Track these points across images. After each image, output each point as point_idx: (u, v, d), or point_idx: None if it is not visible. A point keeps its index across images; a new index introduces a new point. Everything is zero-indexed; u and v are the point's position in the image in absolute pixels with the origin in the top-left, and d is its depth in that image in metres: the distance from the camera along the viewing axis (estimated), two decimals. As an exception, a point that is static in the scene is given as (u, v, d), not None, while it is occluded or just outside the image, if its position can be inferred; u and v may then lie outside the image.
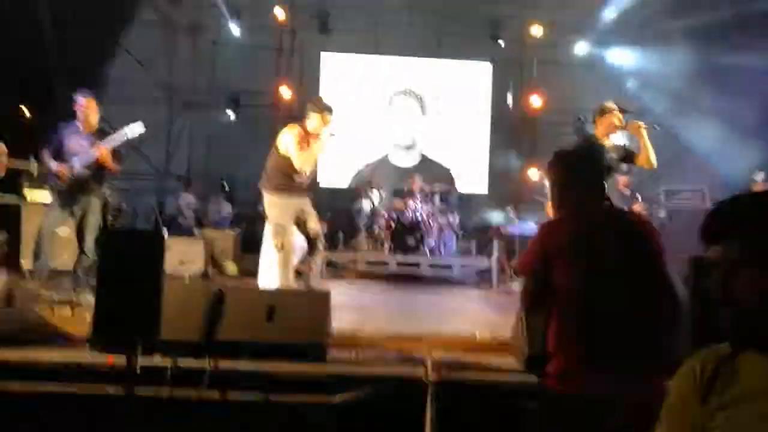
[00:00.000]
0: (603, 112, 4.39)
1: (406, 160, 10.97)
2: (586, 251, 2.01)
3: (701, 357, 1.14)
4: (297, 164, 4.45)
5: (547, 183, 2.28)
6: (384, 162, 10.91)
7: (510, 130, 10.85)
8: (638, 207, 6.74)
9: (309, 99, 4.70)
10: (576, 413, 1.98)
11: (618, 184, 6.11)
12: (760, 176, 6.65)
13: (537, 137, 10.71)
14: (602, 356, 1.98)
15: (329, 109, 4.55)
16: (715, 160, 8.15)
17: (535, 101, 10.31)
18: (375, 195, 8.80)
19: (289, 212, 4.50)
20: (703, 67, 8.86)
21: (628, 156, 4.33)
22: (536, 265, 2.10)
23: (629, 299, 1.98)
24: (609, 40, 10.42)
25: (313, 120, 4.50)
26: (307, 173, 4.56)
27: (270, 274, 4.67)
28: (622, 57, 10.55)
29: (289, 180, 4.51)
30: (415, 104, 11.12)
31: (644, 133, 4.25)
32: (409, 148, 11.00)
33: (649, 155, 4.24)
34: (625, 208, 6.31)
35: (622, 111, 4.40)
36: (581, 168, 2.15)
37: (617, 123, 4.31)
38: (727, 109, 8.20)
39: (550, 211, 2.37)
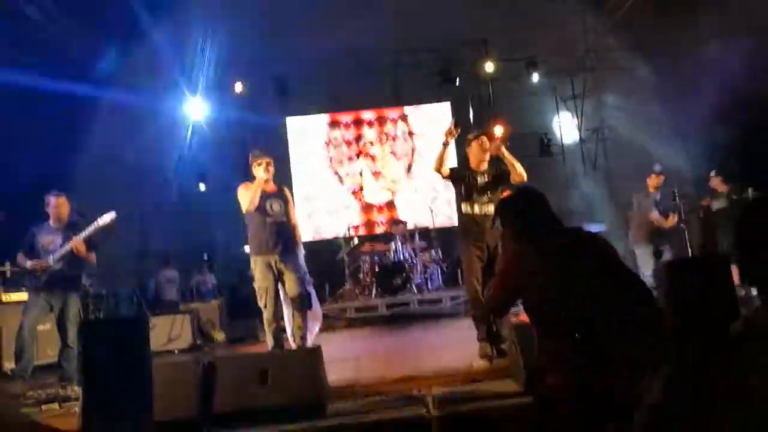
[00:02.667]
0: (467, 144, 4.58)
1: (379, 197, 11.09)
2: (557, 269, 2.18)
3: None
4: (245, 206, 4.50)
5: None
6: (356, 200, 11.04)
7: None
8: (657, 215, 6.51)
9: (249, 156, 4.73)
10: (574, 419, 2.06)
11: (648, 188, 6.37)
12: (713, 174, 6.96)
13: (502, 162, 10.90)
14: (592, 362, 2.07)
15: (259, 155, 4.60)
16: (678, 166, 8.39)
17: (498, 130, 10.56)
18: (354, 240, 8.84)
19: (267, 273, 4.48)
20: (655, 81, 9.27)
21: (501, 176, 4.44)
22: (511, 283, 2.27)
23: (607, 304, 2.10)
24: (561, 67, 10.77)
25: (255, 171, 4.57)
26: (271, 211, 4.54)
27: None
28: (570, 82, 10.92)
29: (260, 238, 4.52)
30: (384, 147, 11.32)
31: (505, 152, 4.40)
32: (378, 177, 11.15)
33: (518, 170, 4.35)
34: (654, 209, 6.21)
35: (484, 134, 4.57)
36: (522, 208, 2.42)
37: (483, 148, 4.46)
38: (680, 118, 8.53)
39: None
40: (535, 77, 10.83)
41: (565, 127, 11.22)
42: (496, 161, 4.53)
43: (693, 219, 7.11)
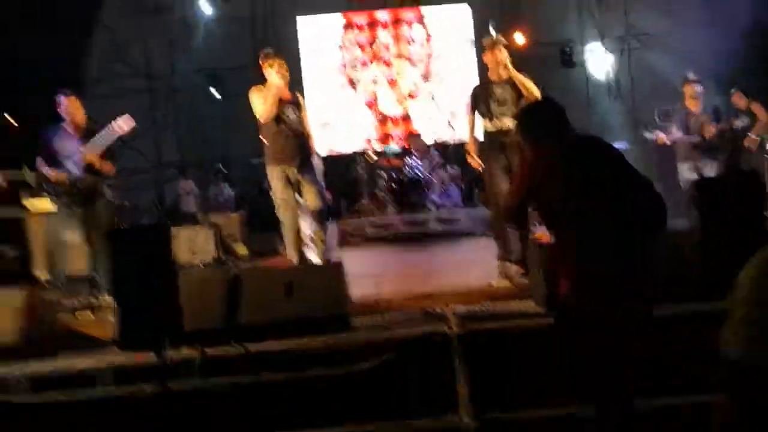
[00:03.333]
0: (485, 49, 4.38)
1: (395, 109, 10.87)
2: (569, 169, 2.30)
3: None
4: (260, 115, 4.37)
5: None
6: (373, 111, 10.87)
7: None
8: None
9: (260, 56, 4.52)
10: (586, 327, 2.22)
11: (685, 99, 5.85)
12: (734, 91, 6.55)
13: (525, 72, 10.56)
14: (602, 269, 2.21)
15: (270, 54, 4.43)
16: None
17: (519, 38, 10.14)
18: (370, 155, 8.76)
19: (286, 184, 4.41)
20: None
21: (520, 91, 4.28)
22: (525, 185, 2.42)
23: (616, 207, 2.24)
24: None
25: (267, 73, 4.39)
26: (288, 119, 4.41)
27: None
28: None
29: (277, 148, 4.41)
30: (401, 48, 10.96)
31: (515, 73, 4.26)
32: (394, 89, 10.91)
33: (530, 90, 4.23)
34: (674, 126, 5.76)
35: (499, 43, 4.34)
36: (539, 117, 2.53)
37: (497, 59, 4.27)
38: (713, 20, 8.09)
39: None
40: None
41: (590, 36, 10.73)
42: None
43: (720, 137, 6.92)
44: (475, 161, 4.51)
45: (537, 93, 4.24)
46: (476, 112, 4.42)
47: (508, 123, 4.19)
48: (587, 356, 2.26)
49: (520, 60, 10.41)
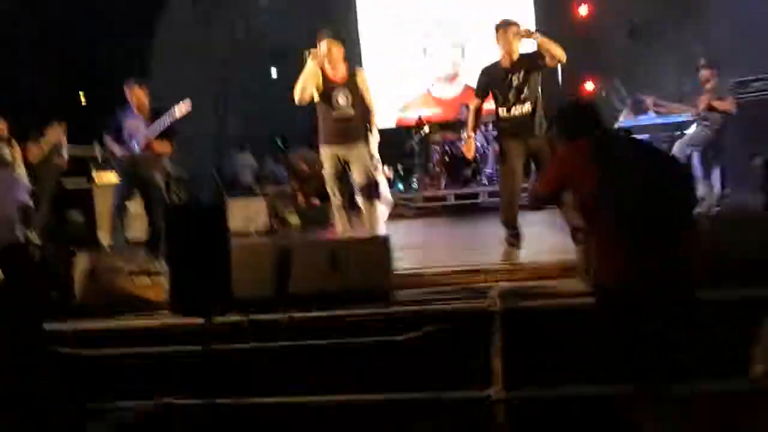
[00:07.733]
0: (496, 31, 4.18)
1: (450, 91, 10.70)
2: (604, 164, 2.41)
3: None
4: (296, 97, 4.43)
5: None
6: (426, 98, 10.73)
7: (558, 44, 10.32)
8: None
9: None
10: (625, 305, 2.30)
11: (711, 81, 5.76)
12: None
13: (587, 48, 10.12)
14: (638, 250, 2.30)
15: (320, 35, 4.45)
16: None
17: (582, 10, 9.79)
18: (425, 129, 8.68)
19: (333, 162, 4.52)
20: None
21: (533, 65, 4.12)
22: (560, 174, 2.57)
23: (652, 192, 2.36)
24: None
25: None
26: (337, 105, 4.44)
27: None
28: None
29: (326, 131, 4.51)
30: (455, 33, 10.74)
31: (538, 35, 4.12)
32: (451, 78, 10.70)
33: (553, 53, 4.03)
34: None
35: (513, 23, 4.15)
36: (574, 117, 2.69)
37: (515, 35, 4.11)
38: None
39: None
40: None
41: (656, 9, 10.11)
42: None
43: None
44: (470, 152, 4.62)
45: (562, 56, 4.09)
46: (485, 97, 4.31)
47: (525, 109, 4.14)
48: (626, 338, 2.31)
49: (585, 32, 10.05)
